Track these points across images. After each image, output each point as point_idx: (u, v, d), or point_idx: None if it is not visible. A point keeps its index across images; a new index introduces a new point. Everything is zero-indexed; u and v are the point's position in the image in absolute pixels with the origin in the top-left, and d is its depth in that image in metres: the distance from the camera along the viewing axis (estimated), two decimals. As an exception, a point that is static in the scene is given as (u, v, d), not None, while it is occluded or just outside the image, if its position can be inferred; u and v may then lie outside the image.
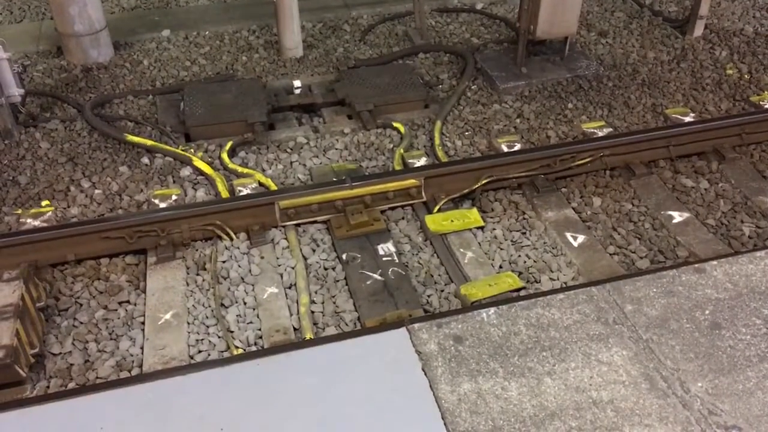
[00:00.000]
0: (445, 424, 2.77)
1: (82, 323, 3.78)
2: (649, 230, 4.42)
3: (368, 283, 3.97)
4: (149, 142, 5.11)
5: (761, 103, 5.68)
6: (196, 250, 4.21)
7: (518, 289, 3.91)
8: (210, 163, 4.94)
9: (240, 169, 4.86)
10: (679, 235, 4.35)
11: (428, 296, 3.94)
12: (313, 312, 3.83)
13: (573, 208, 4.56)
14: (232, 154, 5.07)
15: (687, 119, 5.42)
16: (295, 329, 3.72)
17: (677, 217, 4.50)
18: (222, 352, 3.60)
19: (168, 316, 3.77)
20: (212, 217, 4.22)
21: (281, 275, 4.05)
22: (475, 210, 4.49)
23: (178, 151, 5.04)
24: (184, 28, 6.74)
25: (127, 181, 4.79)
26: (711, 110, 5.65)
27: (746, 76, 6.12)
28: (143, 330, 3.72)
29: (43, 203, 4.60)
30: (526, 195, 4.67)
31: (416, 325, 3.22)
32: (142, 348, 3.63)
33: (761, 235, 4.38)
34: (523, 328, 3.20)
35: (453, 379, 2.96)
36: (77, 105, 5.54)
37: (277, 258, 4.16)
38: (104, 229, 4.05)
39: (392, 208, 4.55)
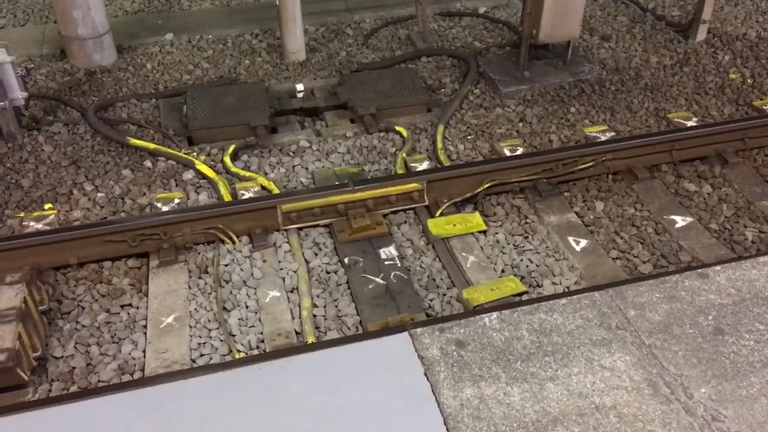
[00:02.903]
0: (447, 429, 2.76)
1: (84, 326, 3.79)
2: (652, 235, 4.41)
3: (370, 287, 3.96)
4: (152, 146, 5.12)
5: (764, 107, 5.67)
6: (199, 253, 4.21)
7: (520, 294, 3.91)
8: (212, 167, 4.95)
9: (242, 173, 4.86)
10: (682, 239, 4.34)
11: (431, 300, 3.94)
12: (315, 316, 3.83)
13: (575, 213, 4.55)
14: (234, 157, 5.08)
15: (690, 124, 5.42)
16: (297, 333, 3.72)
17: (680, 221, 4.49)
18: (224, 355, 3.60)
19: (170, 319, 3.77)
20: (215, 220, 4.23)
21: (283, 279, 4.05)
22: (477, 214, 4.49)
23: (181, 154, 5.05)
24: (187, 31, 6.75)
25: (129, 184, 4.80)
26: (714, 115, 5.65)
27: (749, 80, 6.12)
28: (145, 333, 3.72)
29: (46, 206, 4.60)
30: (528, 199, 4.67)
31: (418, 330, 3.21)
32: (144, 351, 3.63)
33: (764, 240, 4.38)
34: (525, 333, 3.20)
35: (455, 384, 2.95)
36: (80, 108, 5.55)
37: (279, 262, 4.16)
38: (107, 232, 4.06)
39: (394, 212, 4.55)
